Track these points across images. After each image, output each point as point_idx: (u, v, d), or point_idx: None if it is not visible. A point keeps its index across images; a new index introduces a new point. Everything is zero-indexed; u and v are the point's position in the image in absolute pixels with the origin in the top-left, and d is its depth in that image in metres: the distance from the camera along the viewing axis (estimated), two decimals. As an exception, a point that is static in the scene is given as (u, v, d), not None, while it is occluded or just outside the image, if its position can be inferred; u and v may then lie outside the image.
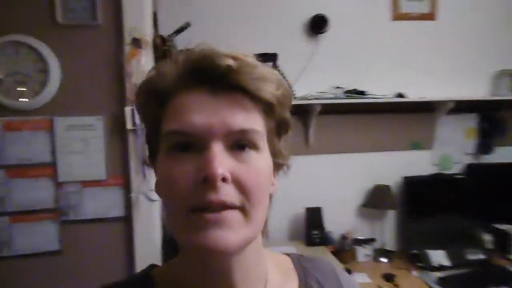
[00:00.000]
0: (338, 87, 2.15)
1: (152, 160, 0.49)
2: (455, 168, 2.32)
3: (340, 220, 2.20)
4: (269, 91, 0.44)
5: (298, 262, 0.58)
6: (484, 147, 2.34)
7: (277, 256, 0.58)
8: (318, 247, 2.05)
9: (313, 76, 2.15)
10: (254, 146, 0.44)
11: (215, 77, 0.43)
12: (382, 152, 2.26)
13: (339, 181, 2.22)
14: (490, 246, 2.28)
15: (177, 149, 0.43)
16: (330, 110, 2.14)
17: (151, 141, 0.49)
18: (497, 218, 2.29)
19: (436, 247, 2.06)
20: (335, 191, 2.21)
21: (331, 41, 2.18)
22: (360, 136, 2.22)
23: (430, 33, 2.29)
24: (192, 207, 0.41)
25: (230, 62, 0.42)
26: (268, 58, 1.99)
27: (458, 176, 2.27)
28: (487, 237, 2.31)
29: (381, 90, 2.13)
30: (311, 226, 2.09)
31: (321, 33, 2.15)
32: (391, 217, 2.28)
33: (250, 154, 0.44)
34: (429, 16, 2.28)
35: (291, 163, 0.51)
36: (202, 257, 0.44)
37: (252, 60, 0.44)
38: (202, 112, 0.42)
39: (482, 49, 2.34)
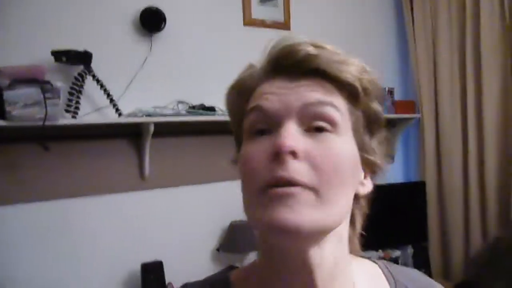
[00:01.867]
0: (180, 102, 1.70)
1: (237, 148, 0.48)
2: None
3: (191, 271, 1.69)
4: (350, 72, 0.42)
5: (387, 269, 0.54)
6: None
7: (363, 261, 0.55)
8: (158, 316, 1.51)
9: (146, 87, 1.65)
10: (333, 126, 0.41)
11: (294, 63, 0.42)
12: (238, 180, 1.86)
13: (186, 221, 1.73)
14: (356, 277, 2.10)
15: (256, 133, 0.43)
16: (170, 130, 1.66)
17: (237, 139, 0.48)
18: (362, 246, 2.12)
19: None
20: (181, 235, 1.71)
21: (170, 43, 1.72)
22: (210, 162, 1.76)
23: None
24: (264, 184, 0.39)
25: (309, 48, 0.42)
26: (76, 57, 1.41)
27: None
28: (353, 267, 2.13)
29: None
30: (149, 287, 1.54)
31: (156, 31, 1.66)
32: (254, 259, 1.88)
33: (329, 136, 0.41)
34: (280, 25, 2.03)
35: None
36: (275, 241, 0.42)
37: (333, 48, 0.44)
38: (280, 93, 0.42)
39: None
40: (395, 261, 2.06)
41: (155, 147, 1.63)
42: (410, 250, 2.08)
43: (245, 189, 0.43)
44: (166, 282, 1.60)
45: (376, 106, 0.46)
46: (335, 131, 0.41)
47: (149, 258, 1.59)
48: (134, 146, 1.64)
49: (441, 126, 2.21)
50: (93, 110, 1.53)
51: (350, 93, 0.43)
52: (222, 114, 1.66)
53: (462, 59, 2.11)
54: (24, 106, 1.24)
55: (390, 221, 2.09)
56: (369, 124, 0.46)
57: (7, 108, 1.23)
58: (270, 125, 0.42)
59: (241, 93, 0.46)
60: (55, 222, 1.49)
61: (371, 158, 0.46)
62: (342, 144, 0.42)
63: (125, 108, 1.55)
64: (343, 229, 0.46)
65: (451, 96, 2.17)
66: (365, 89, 0.44)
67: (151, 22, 1.64)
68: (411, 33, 2.31)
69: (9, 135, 1.37)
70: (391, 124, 2.37)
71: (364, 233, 0.54)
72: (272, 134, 0.41)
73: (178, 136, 1.71)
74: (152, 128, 1.52)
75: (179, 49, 1.75)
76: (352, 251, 0.50)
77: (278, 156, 0.39)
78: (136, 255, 1.59)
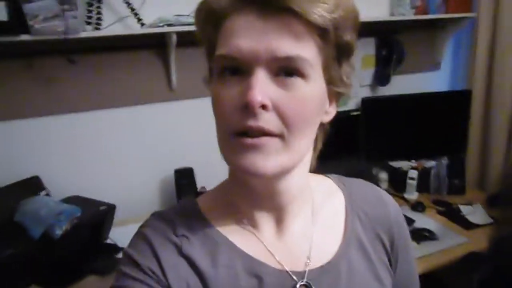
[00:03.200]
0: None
1: (208, 80, 0.51)
2: (350, 104, 2.01)
3: (220, 177, 1.80)
4: (321, 14, 0.42)
5: (339, 180, 0.61)
6: (382, 76, 2.05)
7: (318, 178, 0.60)
8: (191, 216, 1.67)
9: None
10: (302, 74, 0.43)
11: (265, 0, 0.42)
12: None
13: (213, 131, 1.78)
14: (385, 185, 2.13)
15: (226, 73, 0.44)
16: (194, 40, 1.61)
17: (208, 61, 0.50)
18: (394, 155, 2.10)
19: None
20: (210, 144, 1.76)
21: None
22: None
23: None
24: (234, 131, 0.43)
25: None
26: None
27: (353, 113, 1.97)
28: (383, 176, 2.14)
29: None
30: (182, 192, 1.67)
31: None
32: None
33: (297, 82, 0.43)
34: None
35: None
36: (246, 179, 0.49)
37: None
38: (248, 37, 0.42)
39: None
40: (428, 171, 2.04)
41: (181, 57, 1.62)
42: (445, 160, 2.02)
43: (217, 128, 0.47)
44: (199, 187, 1.73)
45: (348, 37, 0.46)
46: (303, 77, 0.43)
47: (181, 165, 1.70)
48: (160, 56, 1.63)
49: (499, 28, 1.94)
50: (115, 21, 1.50)
51: (321, 32, 0.43)
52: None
53: None
54: (45, 20, 1.24)
55: (428, 131, 2.02)
56: (339, 55, 0.47)
57: (30, 22, 1.24)
58: (239, 66, 0.43)
59: (210, 19, 0.46)
60: (88, 132, 1.59)
61: (338, 89, 0.49)
62: (309, 90, 0.44)
63: (148, 17, 1.50)
64: (307, 157, 0.51)
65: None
66: (336, 27, 0.44)
67: None
68: None
69: (38, 50, 1.41)
70: (439, 25, 2.13)
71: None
72: (243, 77, 0.43)
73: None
74: (174, 38, 1.48)
75: None
76: (310, 167, 0.55)
77: (248, 108, 0.41)
78: (169, 163, 1.71)
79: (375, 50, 2.04)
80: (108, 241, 1.46)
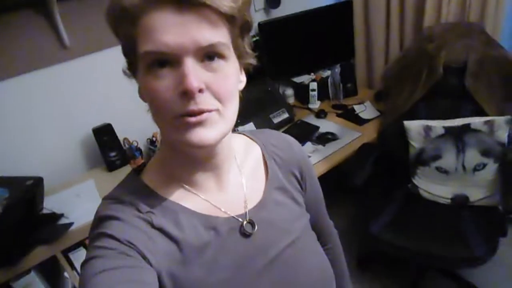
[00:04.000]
0: (77, -47, 1.48)
1: (131, 72, 0.55)
2: (249, 31, 2.10)
3: (143, 125, 1.84)
4: (230, 4, 0.49)
5: (252, 134, 0.73)
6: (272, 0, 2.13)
7: (235, 136, 0.71)
8: (121, 169, 1.73)
9: None
10: (222, 56, 0.51)
11: None
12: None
13: (124, 80, 1.77)
14: (292, 100, 2.36)
15: (155, 65, 0.49)
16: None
17: (128, 56, 0.54)
18: (295, 71, 2.30)
19: (243, 121, 1.97)
20: (123, 95, 1.77)
21: None
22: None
23: None
24: (176, 114, 0.49)
25: None
26: None
27: (254, 39, 2.07)
28: (289, 92, 2.36)
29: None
30: (106, 149, 1.71)
31: None
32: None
33: (219, 63, 0.51)
34: None
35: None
36: (190, 151, 0.57)
37: None
38: (172, 32, 0.47)
39: None
40: (325, 80, 2.29)
41: (68, 12, 1.52)
42: (337, 68, 2.28)
43: (158, 117, 0.52)
44: (121, 139, 1.77)
45: (248, 17, 0.54)
46: (224, 58, 0.51)
47: (98, 122, 1.71)
48: (44, 15, 1.51)
49: None
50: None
51: (230, 19, 0.51)
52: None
53: None
54: None
55: (321, 44, 2.21)
56: (242, 33, 0.55)
57: None
58: (168, 59, 0.48)
59: (125, 17, 0.49)
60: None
61: (246, 61, 0.58)
62: (230, 68, 0.52)
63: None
64: (233, 124, 0.58)
65: None
66: (240, 11, 0.51)
67: None
68: None
69: None
70: None
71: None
72: (172, 68, 0.48)
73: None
74: (54, -5, 1.38)
75: None
76: None
77: (187, 94, 0.48)
78: (85, 123, 1.70)
79: (263, -28, 2.08)
80: (45, 211, 1.49)
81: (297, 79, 2.33)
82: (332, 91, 2.31)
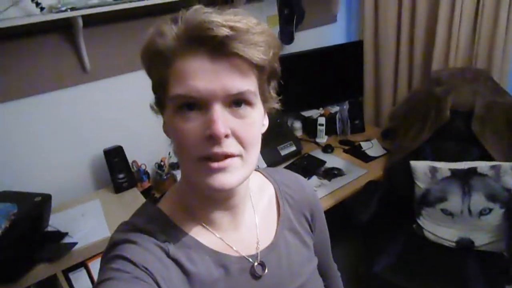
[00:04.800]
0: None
1: (158, 108, 0.57)
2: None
3: (151, 150, 1.89)
4: (261, 56, 0.50)
5: (267, 173, 0.74)
6: (286, 35, 2.21)
7: (253, 174, 0.69)
8: (127, 191, 1.75)
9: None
10: (249, 103, 0.53)
11: (213, 45, 0.48)
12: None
13: (138, 105, 1.82)
14: (300, 133, 2.39)
15: (184, 108, 0.51)
16: (102, 19, 1.59)
17: (157, 94, 0.56)
18: (304, 105, 2.35)
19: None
20: (136, 119, 1.82)
21: None
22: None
23: None
24: (201, 157, 0.51)
25: (227, 32, 0.47)
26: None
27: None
28: (297, 125, 2.40)
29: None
30: (115, 170, 1.73)
31: None
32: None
33: (246, 109, 0.52)
34: None
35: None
36: (209, 194, 0.58)
37: (246, 25, 0.49)
38: (204, 78, 0.49)
39: None
40: (334, 116, 2.33)
41: (91, 38, 1.59)
42: (346, 105, 2.32)
43: (182, 157, 0.54)
44: (130, 161, 1.81)
45: (276, 65, 0.56)
46: (250, 105, 0.53)
47: (109, 144, 1.75)
48: (69, 39, 1.59)
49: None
50: (10, 5, 1.41)
51: (260, 68, 0.53)
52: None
53: None
54: None
55: (331, 81, 2.27)
56: (269, 79, 0.57)
57: None
58: (197, 103, 0.50)
59: (159, 59, 0.52)
60: (10, 123, 1.54)
61: (271, 106, 0.60)
62: (255, 114, 0.54)
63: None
64: (254, 169, 0.60)
65: None
66: (270, 61, 0.53)
67: None
68: None
69: None
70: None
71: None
72: (201, 111, 0.50)
73: (112, 23, 1.65)
74: (81, 22, 1.46)
75: None
76: None
77: (213, 138, 0.49)
78: (97, 144, 1.74)
79: (278, 10, 2.18)
80: (50, 228, 1.50)
81: (306, 113, 2.38)
82: (340, 127, 2.35)
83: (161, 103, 0.56)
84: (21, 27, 1.42)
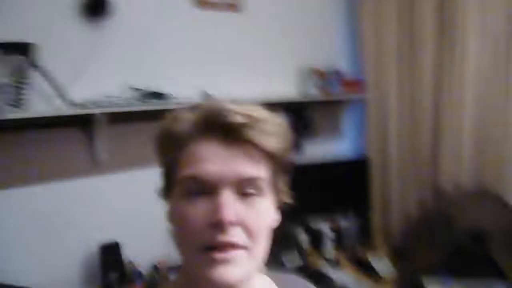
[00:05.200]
0: (131, 88, 1.72)
1: (165, 194, 0.55)
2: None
3: (150, 250, 1.80)
4: (275, 145, 0.51)
5: (276, 278, 0.66)
6: (294, 146, 2.30)
7: (261, 277, 0.63)
8: (117, 293, 1.62)
9: (96, 74, 1.66)
10: (259, 192, 0.51)
11: (228, 131, 0.49)
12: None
13: (142, 202, 1.80)
14: (306, 245, 2.29)
15: (191, 193, 0.49)
16: (122, 118, 1.70)
17: (166, 178, 0.55)
18: (310, 215, 2.29)
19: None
20: (138, 216, 1.79)
21: (119, 29, 1.71)
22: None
23: (236, 25, 2.07)
24: (203, 245, 0.48)
25: (241, 119, 0.49)
26: (15, 48, 1.40)
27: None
28: (303, 237, 2.31)
29: (182, 89, 1.79)
30: (108, 268, 1.63)
31: (102, 17, 1.65)
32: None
33: (256, 199, 0.51)
34: (234, 8, 2.06)
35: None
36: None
37: (261, 115, 0.51)
38: (215, 162, 0.49)
39: (290, 45, 2.28)
40: (342, 230, 2.25)
41: (108, 134, 1.67)
42: (355, 219, 2.27)
43: (182, 246, 0.51)
44: (126, 261, 1.71)
45: (289, 157, 0.56)
46: (260, 195, 0.51)
47: (106, 240, 1.68)
48: (86, 133, 1.67)
49: (385, 104, 2.36)
50: (40, 100, 1.53)
51: (273, 157, 0.52)
52: (174, 102, 1.71)
53: (403, 40, 2.24)
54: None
55: (337, 194, 2.27)
56: (281, 171, 0.56)
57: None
58: (205, 187, 0.49)
59: (173, 142, 0.52)
60: (6, 209, 1.52)
61: (282, 198, 0.57)
62: (265, 205, 0.52)
63: (74, 96, 1.56)
64: (261, 265, 0.56)
65: (396, 75, 2.30)
66: (283, 152, 0.53)
67: (97, 8, 1.63)
68: (360, 10, 2.39)
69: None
70: (340, 102, 2.51)
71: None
72: (209, 197, 0.49)
73: (131, 123, 1.75)
74: (103, 118, 1.55)
75: (128, 34, 1.74)
76: None
77: (218, 225, 0.47)
78: (92, 238, 1.67)
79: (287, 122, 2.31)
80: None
81: (314, 225, 2.31)
82: (348, 242, 2.25)
83: (168, 188, 0.55)
84: (46, 120, 1.52)
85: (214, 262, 0.47)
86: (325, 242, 2.19)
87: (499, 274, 1.62)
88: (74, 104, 1.54)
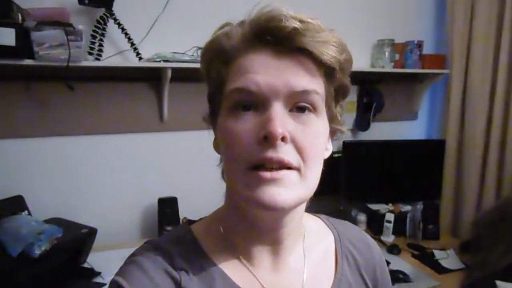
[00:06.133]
0: (199, 48, 1.72)
1: (212, 119, 0.51)
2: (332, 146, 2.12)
3: (204, 207, 1.82)
4: (332, 55, 0.45)
5: (329, 221, 0.63)
6: (362, 122, 2.17)
7: (311, 216, 0.62)
8: (171, 246, 1.68)
9: (167, 32, 1.69)
10: (314, 109, 0.46)
11: (280, 38, 0.44)
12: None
13: (200, 162, 1.83)
14: (363, 227, 2.18)
15: (239, 108, 0.44)
16: (188, 76, 1.71)
17: (213, 100, 0.50)
18: (372, 198, 2.18)
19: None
20: (196, 175, 1.82)
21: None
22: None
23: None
24: (252, 164, 0.43)
25: (296, 24, 0.43)
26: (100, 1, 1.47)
27: (335, 155, 2.06)
28: (362, 218, 2.20)
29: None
30: (164, 221, 1.69)
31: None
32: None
33: (310, 116, 0.45)
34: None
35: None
36: (258, 213, 0.48)
37: (318, 24, 0.45)
38: (266, 72, 0.44)
39: (363, 18, 2.12)
40: (404, 215, 2.11)
41: (174, 92, 1.71)
42: (420, 206, 2.10)
43: (229, 166, 0.47)
44: (181, 217, 1.76)
45: (347, 81, 0.50)
46: (315, 112, 0.46)
47: (166, 194, 1.74)
48: (154, 89, 1.72)
49: (469, 85, 2.11)
50: (115, 53, 1.60)
51: (329, 72, 0.47)
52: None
53: (500, 17, 1.97)
54: (50, 47, 1.33)
55: (405, 177, 2.11)
56: (337, 95, 0.50)
57: (35, 48, 1.32)
58: (255, 102, 0.44)
59: (220, 57, 0.47)
60: (77, 156, 1.64)
61: (337, 127, 0.52)
62: (320, 124, 0.47)
63: (146, 52, 1.61)
64: (313, 192, 0.51)
65: (484, 54, 2.04)
66: (341, 68, 0.47)
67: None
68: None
69: (38, 74, 1.49)
70: (417, 78, 2.30)
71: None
72: (258, 112, 0.44)
73: (195, 82, 1.76)
74: (169, 74, 1.58)
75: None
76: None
77: (268, 140, 0.42)
78: (153, 191, 1.74)
79: (357, 97, 2.17)
80: (86, 265, 1.45)
81: (373, 206, 2.19)
82: (410, 229, 2.10)
83: (214, 112, 0.51)
84: (119, 71, 1.59)
85: (263, 182, 0.43)
86: (384, 225, 2.07)
87: None
88: (144, 59, 1.58)
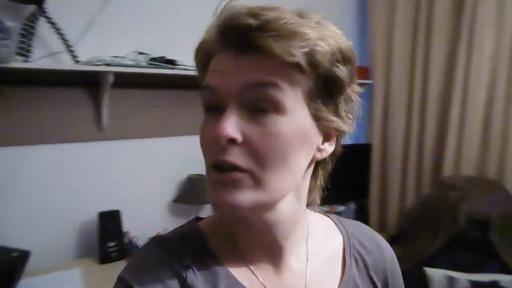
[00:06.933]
0: (140, 53, 1.65)
1: None
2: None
3: (148, 221, 1.75)
4: (296, 52, 0.41)
5: (339, 221, 0.62)
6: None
7: (318, 215, 0.60)
8: (115, 262, 1.56)
9: (105, 35, 1.59)
10: (277, 108, 0.42)
11: (238, 38, 0.42)
12: (195, 135, 1.88)
13: (143, 173, 1.75)
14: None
15: (209, 110, 0.45)
16: (129, 82, 1.63)
17: None
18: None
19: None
20: (138, 186, 1.74)
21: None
22: (169, 116, 1.78)
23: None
24: (210, 164, 0.44)
25: (251, 20, 0.40)
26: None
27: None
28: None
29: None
30: (106, 237, 1.57)
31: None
32: (209, 212, 1.94)
33: (270, 117, 0.42)
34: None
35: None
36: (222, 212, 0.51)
37: (280, 13, 0.41)
38: (223, 71, 0.43)
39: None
40: (339, 214, 2.25)
41: (113, 98, 1.60)
42: (353, 206, 2.27)
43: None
44: (124, 231, 1.65)
45: (338, 71, 0.45)
46: (278, 111, 0.42)
47: (107, 207, 1.61)
48: (91, 95, 1.60)
49: (390, 93, 2.35)
50: (47, 55, 1.45)
51: (295, 67, 0.42)
52: (183, 69, 1.64)
53: (415, 28, 2.23)
54: (-28, 45, 1.16)
55: (337, 179, 2.24)
56: (327, 89, 0.45)
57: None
58: (217, 103, 0.44)
59: (202, 59, 0.48)
60: (6, 168, 1.44)
61: (328, 124, 0.47)
62: (285, 124, 0.43)
63: (82, 55, 1.48)
64: (301, 188, 0.50)
65: (402, 63, 2.29)
66: (314, 63, 0.43)
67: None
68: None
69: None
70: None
71: (328, 186, 0.60)
72: (219, 114, 0.43)
73: (136, 88, 1.68)
74: (111, 78, 1.48)
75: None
76: (310, 203, 0.56)
77: (218, 142, 0.42)
78: (93, 205, 1.60)
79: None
80: (17, 292, 1.28)
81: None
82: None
83: None
84: (53, 76, 1.44)
85: (215, 183, 0.43)
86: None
87: (503, 267, 1.62)
88: (80, 62, 1.46)
